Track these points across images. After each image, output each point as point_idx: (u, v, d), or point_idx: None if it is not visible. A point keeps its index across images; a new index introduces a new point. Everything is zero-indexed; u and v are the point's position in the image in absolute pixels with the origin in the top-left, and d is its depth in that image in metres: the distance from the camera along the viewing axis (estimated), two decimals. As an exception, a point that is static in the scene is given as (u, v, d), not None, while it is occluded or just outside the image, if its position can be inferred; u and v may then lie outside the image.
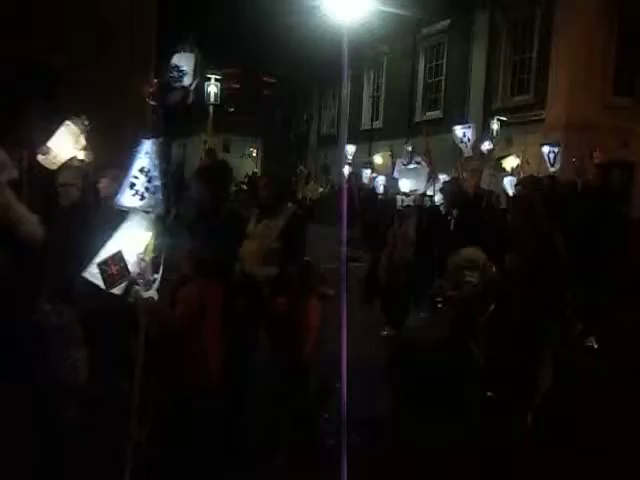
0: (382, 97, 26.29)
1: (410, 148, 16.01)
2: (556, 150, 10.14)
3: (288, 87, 34.16)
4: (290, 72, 31.25)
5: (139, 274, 3.30)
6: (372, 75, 26.94)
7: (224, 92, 25.76)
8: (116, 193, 3.46)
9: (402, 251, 5.54)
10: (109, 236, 3.38)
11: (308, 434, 4.31)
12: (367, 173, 17.05)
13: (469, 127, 10.05)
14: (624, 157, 15.84)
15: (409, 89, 24.03)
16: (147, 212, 3.34)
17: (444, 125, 16.64)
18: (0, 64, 9.14)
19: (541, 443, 4.39)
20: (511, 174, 9.57)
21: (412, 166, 6.85)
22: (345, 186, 5.43)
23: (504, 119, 16.83)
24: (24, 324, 3.42)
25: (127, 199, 3.35)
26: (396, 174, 7.28)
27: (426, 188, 6.45)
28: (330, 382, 4.49)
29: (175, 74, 3.75)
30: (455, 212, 6.22)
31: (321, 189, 24.96)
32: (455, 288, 4.91)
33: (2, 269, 3.19)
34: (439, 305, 5.04)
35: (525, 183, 5.42)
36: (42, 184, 4.86)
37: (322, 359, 5.04)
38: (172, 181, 5.56)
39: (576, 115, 16.51)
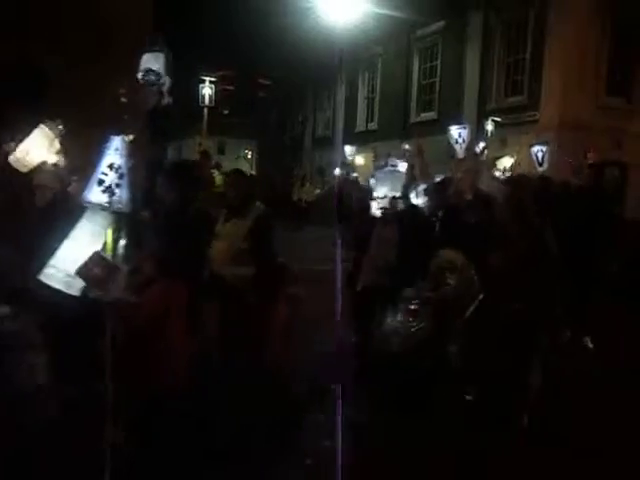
0: (377, 98, 26.33)
1: (407, 147, 16.08)
2: (544, 149, 10.17)
3: (283, 89, 34.14)
4: (285, 74, 31.23)
5: (98, 273, 3.19)
6: (367, 76, 26.98)
7: (218, 94, 25.76)
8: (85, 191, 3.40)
9: (385, 254, 5.44)
10: (64, 235, 3.31)
11: (289, 436, 4.27)
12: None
13: (464, 128, 10.05)
14: (618, 157, 15.91)
15: (403, 90, 24.06)
16: (118, 209, 3.28)
17: (438, 126, 16.67)
18: None
19: (526, 444, 4.35)
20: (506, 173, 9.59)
21: (388, 169, 6.82)
22: (337, 188, 5.42)
23: (498, 120, 16.89)
24: None
25: (96, 195, 3.28)
26: (372, 179, 7.25)
27: (405, 192, 6.36)
28: (321, 383, 4.50)
29: (147, 75, 3.71)
30: (440, 213, 6.15)
31: (317, 191, 24.96)
32: (435, 290, 4.90)
33: None
34: (414, 307, 4.95)
35: (514, 181, 5.38)
36: (13, 185, 4.79)
37: (315, 360, 5.07)
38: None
39: (569, 116, 16.56)
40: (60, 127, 5.22)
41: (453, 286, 4.87)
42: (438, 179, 8.05)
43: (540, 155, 10.19)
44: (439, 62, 22.58)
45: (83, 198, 3.33)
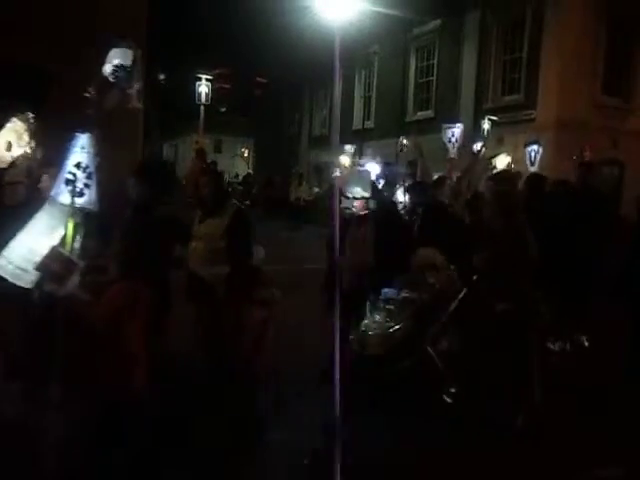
0: (373, 97, 26.31)
1: (405, 141, 16.09)
2: (536, 148, 10.16)
3: (279, 87, 34.11)
4: (281, 72, 31.20)
5: (52, 268, 3.12)
6: (363, 75, 26.94)
7: (215, 92, 25.72)
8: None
9: (359, 255, 5.35)
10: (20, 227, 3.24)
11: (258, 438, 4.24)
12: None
13: (457, 127, 10.03)
14: (614, 156, 15.95)
15: (400, 89, 24.06)
16: (88, 209, 3.21)
17: (435, 125, 16.67)
18: None
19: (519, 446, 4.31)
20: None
21: (357, 170, 6.78)
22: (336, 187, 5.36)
23: (495, 119, 16.88)
24: None
25: (65, 196, 3.19)
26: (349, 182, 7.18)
27: (374, 191, 6.27)
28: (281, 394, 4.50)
29: (117, 72, 3.63)
30: (420, 211, 6.11)
31: (315, 189, 24.92)
32: (415, 289, 4.84)
33: None
34: (393, 307, 4.89)
35: (497, 178, 5.32)
36: None
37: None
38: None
39: (566, 114, 16.59)
40: (32, 121, 5.10)
41: (432, 285, 4.81)
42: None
43: (533, 154, 10.19)
44: (436, 61, 22.57)
45: (53, 199, 3.26)
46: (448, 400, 4.70)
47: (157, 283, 4.08)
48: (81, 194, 3.19)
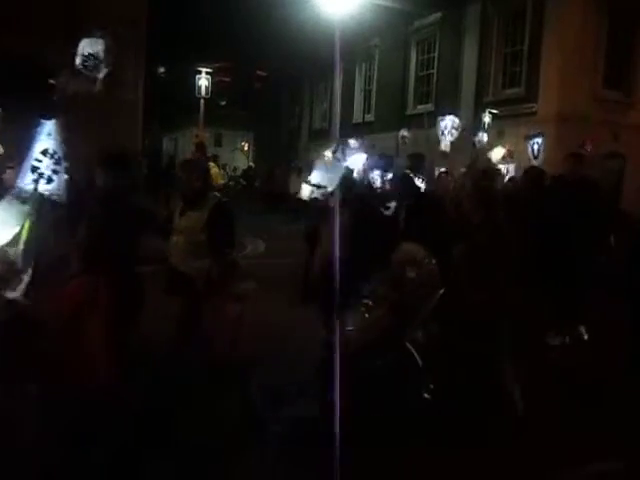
0: (374, 90, 26.25)
1: (405, 133, 16.06)
2: (540, 141, 10.10)
3: (280, 80, 34.03)
4: (282, 65, 31.12)
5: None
6: (364, 68, 26.88)
7: (215, 86, 25.67)
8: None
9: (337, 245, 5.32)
10: None
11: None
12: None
13: (452, 119, 9.92)
14: (615, 150, 15.94)
15: (401, 82, 23.99)
16: (55, 197, 3.12)
17: (435, 119, 16.62)
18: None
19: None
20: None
21: (330, 161, 6.69)
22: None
23: (496, 112, 16.87)
24: None
25: (29, 183, 3.12)
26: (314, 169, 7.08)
27: (346, 183, 6.19)
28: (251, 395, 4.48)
29: (88, 60, 3.58)
30: (405, 205, 5.99)
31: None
32: (396, 284, 4.73)
33: None
34: (370, 303, 4.77)
35: (477, 172, 5.28)
36: None
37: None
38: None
39: (567, 108, 16.55)
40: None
41: (412, 280, 4.69)
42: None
43: (536, 147, 10.14)
44: (436, 54, 22.51)
45: (16, 186, 3.18)
46: (427, 397, 4.61)
47: (124, 276, 3.97)
48: (49, 181, 3.12)
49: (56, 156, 3.13)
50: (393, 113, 23.62)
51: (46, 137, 3.18)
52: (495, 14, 19.45)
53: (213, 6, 25.96)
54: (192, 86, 23.79)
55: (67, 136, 3.31)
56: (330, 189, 6.22)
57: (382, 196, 7.04)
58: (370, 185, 7.14)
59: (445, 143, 9.80)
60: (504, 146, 10.72)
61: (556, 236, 6.14)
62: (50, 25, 11.19)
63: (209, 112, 25.03)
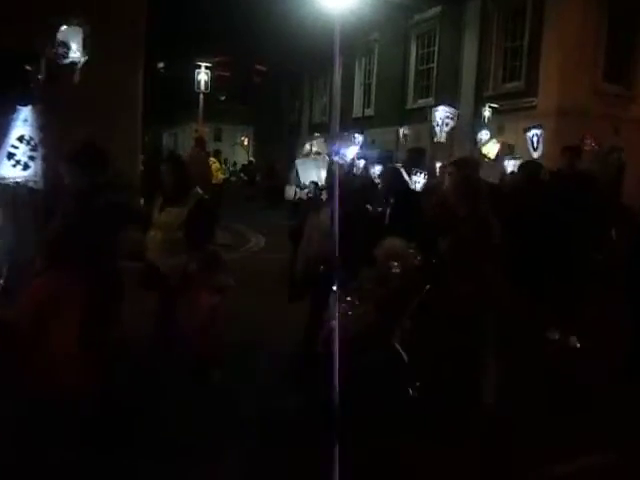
0: (373, 85, 26.20)
1: (406, 131, 16.02)
2: (539, 133, 10.01)
3: (279, 75, 33.96)
4: (281, 60, 31.04)
5: None
6: (363, 62, 26.83)
7: (215, 80, 25.61)
8: None
9: (316, 244, 5.11)
10: None
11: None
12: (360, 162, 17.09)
13: (442, 110, 9.76)
14: (616, 144, 15.91)
15: (401, 76, 23.95)
16: (31, 183, 3.09)
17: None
18: None
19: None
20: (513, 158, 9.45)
21: (312, 157, 6.63)
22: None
23: (496, 106, 16.85)
24: None
25: (7, 170, 3.09)
26: (296, 166, 7.03)
27: (330, 178, 6.08)
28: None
29: (60, 48, 3.53)
30: (392, 199, 5.89)
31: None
32: (380, 280, 4.67)
33: None
34: (355, 300, 4.67)
35: (459, 163, 5.16)
36: None
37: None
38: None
39: (567, 102, 16.53)
40: None
41: (397, 276, 4.62)
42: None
43: (535, 140, 10.06)
44: (436, 48, 22.46)
45: None
46: (413, 394, 4.53)
47: (96, 273, 3.87)
48: (25, 167, 3.09)
49: (32, 142, 3.10)
50: (393, 107, 23.59)
51: (22, 124, 3.13)
52: (495, 8, 19.41)
53: (213, 1, 25.91)
54: (192, 81, 23.72)
55: (44, 123, 3.27)
56: (320, 183, 6.18)
57: (370, 190, 6.93)
58: (361, 178, 7.06)
59: (440, 134, 9.66)
60: (498, 140, 10.64)
61: (553, 230, 6.07)
62: (34, 15, 11.15)
63: (209, 107, 24.98)
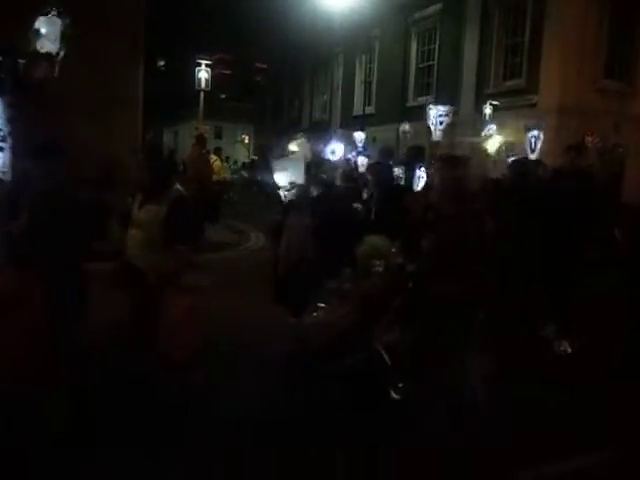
0: (374, 82, 26.16)
1: (407, 127, 16.00)
2: (537, 134, 9.98)
3: (280, 73, 33.95)
4: (282, 57, 31.04)
5: None
6: (364, 60, 26.79)
7: (215, 78, 25.58)
8: None
9: (296, 244, 5.06)
10: None
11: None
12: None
13: (443, 109, 9.74)
14: (617, 141, 15.90)
15: (401, 74, 23.92)
16: (1, 174, 3.05)
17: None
18: None
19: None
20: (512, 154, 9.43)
21: (289, 157, 6.52)
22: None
23: (496, 103, 16.83)
24: None
25: None
26: (273, 167, 6.95)
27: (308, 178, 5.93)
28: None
29: (34, 37, 3.47)
30: (377, 195, 5.81)
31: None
32: (363, 278, 4.56)
33: None
34: (335, 300, 4.59)
35: (445, 159, 5.00)
36: None
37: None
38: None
39: (568, 99, 16.50)
40: None
41: (379, 275, 4.53)
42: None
43: (533, 141, 10.04)
44: (437, 45, 22.42)
45: None
46: (396, 396, 4.43)
47: (59, 272, 3.78)
48: None
49: (0, 133, 3.06)
50: (394, 105, 23.56)
51: None
52: (496, 5, 19.37)
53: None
54: (192, 79, 23.70)
55: (13, 115, 3.22)
56: (299, 182, 6.08)
57: (352, 188, 6.83)
58: (347, 175, 6.91)
59: (436, 133, 9.65)
60: (501, 136, 10.64)
61: (547, 229, 5.99)
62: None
63: (209, 105, 24.96)
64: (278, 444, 4.00)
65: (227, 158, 25.87)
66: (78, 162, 4.44)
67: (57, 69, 3.58)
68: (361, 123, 21.27)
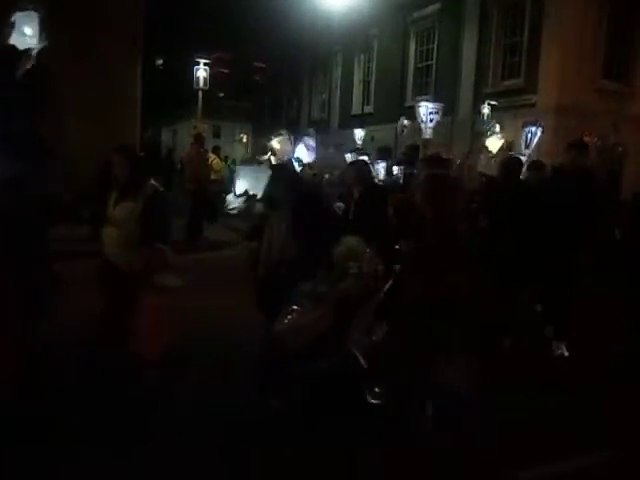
0: (373, 81, 26.16)
1: (405, 122, 15.97)
2: (533, 130, 9.94)
3: (278, 72, 33.93)
4: (280, 56, 31.02)
5: None
6: (363, 59, 26.77)
7: (214, 77, 25.58)
8: None
9: (276, 245, 4.98)
10: None
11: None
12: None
13: (426, 106, 9.62)
14: (615, 140, 15.91)
15: (400, 73, 23.92)
16: None
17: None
18: None
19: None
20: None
21: (253, 166, 6.37)
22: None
23: (495, 103, 16.82)
24: None
25: None
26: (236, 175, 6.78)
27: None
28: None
29: (7, 29, 3.43)
30: (356, 194, 5.71)
31: (314, 174, 24.78)
32: (339, 280, 4.46)
33: None
34: (310, 302, 4.49)
35: (429, 160, 4.89)
36: None
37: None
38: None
39: (567, 99, 16.51)
40: None
41: (355, 276, 4.41)
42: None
43: (529, 137, 9.98)
44: (435, 44, 22.42)
45: None
46: (372, 401, 4.35)
47: (19, 268, 3.75)
48: None
49: None
50: (392, 104, 23.55)
51: None
52: (494, 5, 19.37)
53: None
54: (191, 77, 23.71)
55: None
56: (253, 192, 5.95)
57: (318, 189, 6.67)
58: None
59: (426, 130, 9.55)
60: (502, 136, 10.62)
61: (548, 227, 5.91)
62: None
63: (207, 103, 24.94)
64: (250, 446, 3.96)
65: (226, 157, 25.79)
66: (75, 161, 4.40)
67: (30, 60, 3.52)
68: (360, 122, 21.27)
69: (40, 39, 3.62)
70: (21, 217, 3.73)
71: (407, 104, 23.26)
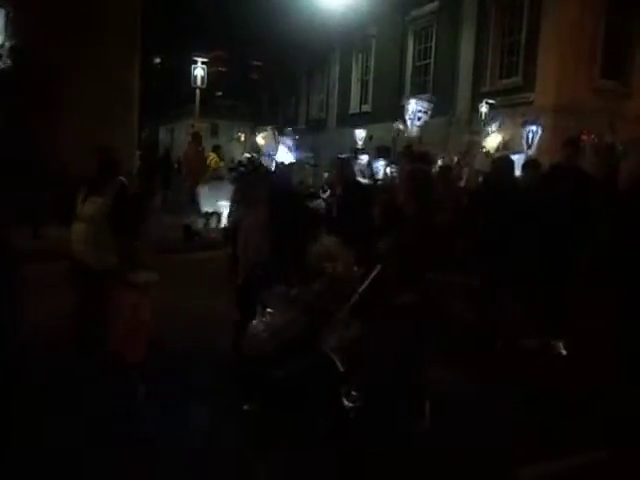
0: (371, 80, 26.16)
1: (401, 126, 16.00)
2: (534, 129, 9.93)
3: (276, 71, 33.89)
4: (278, 55, 30.97)
5: None
6: (360, 58, 26.79)
7: (211, 76, 25.54)
8: None
9: (252, 245, 4.95)
10: None
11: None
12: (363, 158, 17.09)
13: (414, 103, 9.57)
14: (612, 140, 15.91)
15: (398, 72, 23.92)
16: None
17: (433, 108, 16.56)
18: None
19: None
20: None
21: (214, 185, 6.19)
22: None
23: (493, 102, 16.85)
24: None
25: None
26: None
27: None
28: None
29: None
30: (339, 191, 5.65)
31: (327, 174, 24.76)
32: (314, 279, 4.36)
33: None
34: (283, 303, 4.40)
35: (410, 154, 4.82)
36: None
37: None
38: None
39: (564, 98, 16.52)
40: None
41: (330, 277, 4.32)
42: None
43: (531, 136, 9.99)
44: (433, 43, 22.42)
45: None
46: (349, 404, 4.23)
47: None
48: None
49: None
50: (390, 103, 23.55)
51: None
52: (492, 4, 19.37)
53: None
54: (188, 76, 23.67)
55: None
56: (210, 210, 5.76)
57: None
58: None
59: (412, 128, 9.47)
60: (500, 134, 10.63)
61: (544, 226, 5.87)
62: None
63: (205, 102, 24.92)
64: (222, 449, 3.95)
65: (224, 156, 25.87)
66: (72, 161, 4.39)
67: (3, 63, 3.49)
68: (358, 121, 21.30)
69: (6, 36, 3.55)
70: None
71: (405, 103, 23.31)
